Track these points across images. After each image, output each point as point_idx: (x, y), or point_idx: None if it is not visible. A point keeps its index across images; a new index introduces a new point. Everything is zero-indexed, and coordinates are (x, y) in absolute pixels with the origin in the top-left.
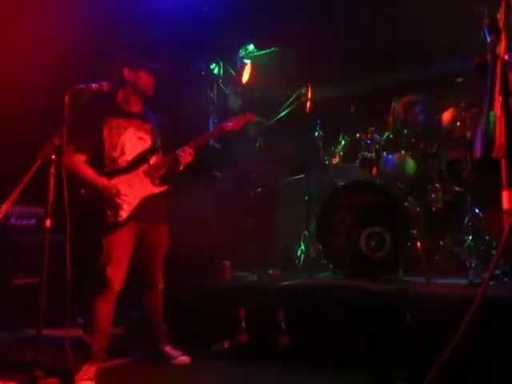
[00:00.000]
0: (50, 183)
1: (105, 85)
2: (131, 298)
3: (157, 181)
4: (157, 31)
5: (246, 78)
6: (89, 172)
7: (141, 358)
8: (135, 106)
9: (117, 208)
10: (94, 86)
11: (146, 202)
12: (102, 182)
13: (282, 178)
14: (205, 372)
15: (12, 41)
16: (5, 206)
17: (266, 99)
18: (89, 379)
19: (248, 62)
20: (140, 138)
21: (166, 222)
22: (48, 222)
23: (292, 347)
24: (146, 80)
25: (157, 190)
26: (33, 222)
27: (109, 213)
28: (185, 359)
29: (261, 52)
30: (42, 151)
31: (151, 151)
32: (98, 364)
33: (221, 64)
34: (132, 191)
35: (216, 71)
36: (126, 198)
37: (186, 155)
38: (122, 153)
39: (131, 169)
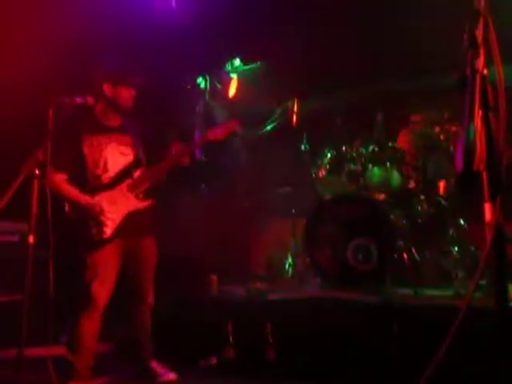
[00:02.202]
0: (33, 198)
1: (89, 99)
2: (119, 314)
3: (141, 195)
4: (144, 45)
5: (232, 92)
6: (71, 191)
7: (127, 377)
8: (114, 120)
9: (101, 225)
10: (78, 99)
11: (131, 218)
12: (85, 199)
13: (268, 191)
14: None
15: None
16: None
17: (252, 113)
18: None
19: (234, 76)
20: (122, 153)
21: (152, 235)
22: (31, 238)
23: (279, 361)
24: (125, 95)
25: (141, 204)
26: (16, 238)
27: (93, 231)
28: (171, 376)
29: (247, 66)
30: (25, 166)
31: (134, 165)
32: (83, 382)
33: (207, 78)
34: (116, 207)
35: (202, 85)
36: (109, 214)
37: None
38: (105, 170)
39: (114, 185)
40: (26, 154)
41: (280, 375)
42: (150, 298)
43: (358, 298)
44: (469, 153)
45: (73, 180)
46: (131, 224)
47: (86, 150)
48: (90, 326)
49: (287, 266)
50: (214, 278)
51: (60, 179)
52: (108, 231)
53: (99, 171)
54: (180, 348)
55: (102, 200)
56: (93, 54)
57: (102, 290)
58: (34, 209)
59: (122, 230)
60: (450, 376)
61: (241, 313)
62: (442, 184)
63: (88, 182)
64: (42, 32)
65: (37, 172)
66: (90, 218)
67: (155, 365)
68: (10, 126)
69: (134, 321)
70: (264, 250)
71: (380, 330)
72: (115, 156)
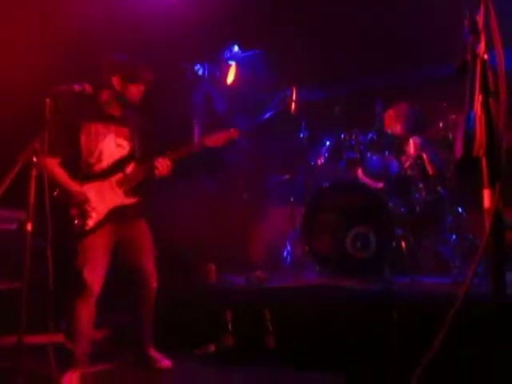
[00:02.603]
0: (31, 186)
1: (87, 86)
2: (116, 300)
3: (130, 192)
4: (141, 31)
5: (230, 79)
6: (61, 175)
7: (124, 362)
8: (116, 110)
9: (85, 216)
10: (76, 87)
11: (117, 211)
12: (74, 185)
13: (267, 180)
14: (190, 376)
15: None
16: None
17: (250, 100)
18: None
19: (233, 63)
20: (119, 145)
21: (143, 218)
22: (29, 226)
23: (278, 348)
24: (134, 91)
25: (127, 201)
26: (14, 226)
27: (76, 221)
28: (167, 363)
29: (245, 53)
30: (23, 154)
31: (128, 159)
32: (82, 369)
33: (205, 65)
34: (102, 199)
35: (200, 72)
36: (95, 205)
37: (162, 168)
38: (99, 160)
39: (105, 177)
40: (24, 143)
41: (279, 363)
42: (154, 282)
43: (356, 285)
44: (469, 138)
45: (65, 165)
46: (118, 215)
47: (83, 137)
48: (86, 312)
49: (286, 254)
50: (213, 266)
51: (53, 163)
52: (91, 223)
53: (93, 160)
54: (178, 336)
55: (90, 189)
56: (93, 44)
57: (94, 276)
58: (32, 197)
59: (106, 222)
60: (448, 364)
61: (240, 301)
62: (440, 172)
63: (80, 169)
64: (45, 28)
65: (34, 160)
66: (75, 206)
67: (152, 352)
68: (10, 115)
69: (136, 305)
70: (263, 238)
71: (379, 318)
72: (111, 147)
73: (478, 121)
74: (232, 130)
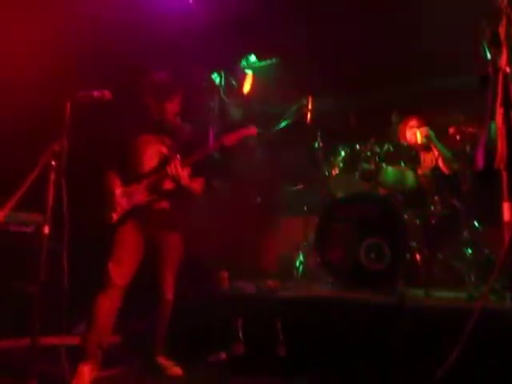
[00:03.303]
0: (50, 190)
1: (107, 93)
2: (129, 306)
3: (155, 193)
4: (159, 39)
5: (247, 88)
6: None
7: (134, 368)
8: (160, 123)
9: (112, 209)
10: (95, 93)
11: (147, 211)
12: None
13: (281, 189)
14: (200, 383)
15: (8, 40)
16: (3, 212)
17: (266, 110)
18: (84, 382)
19: (249, 72)
20: (160, 152)
21: (178, 232)
22: (46, 229)
23: (289, 358)
24: (171, 109)
25: (151, 198)
26: (31, 228)
27: (105, 213)
28: (177, 370)
29: (262, 63)
30: (42, 157)
31: (163, 164)
32: (94, 364)
33: (222, 74)
34: (128, 197)
35: (217, 81)
36: (120, 200)
37: (172, 169)
38: (142, 168)
39: (139, 180)
40: (39, 144)
41: (290, 372)
42: (170, 295)
43: (369, 297)
44: (490, 151)
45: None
46: (150, 216)
47: (137, 149)
48: (106, 304)
49: (298, 264)
50: (225, 274)
51: (112, 175)
52: (115, 216)
53: (139, 169)
54: (189, 343)
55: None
56: (109, 47)
57: (118, 269)
58: (50, 200)
59: (141, 217)
60: (464, 378)
61: (251, 309)
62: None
63: (126, 176)
64: (58, 28)
65: (53, 163)
66: (105, 200)
67: (162, 359)
68: (26, 119)
69: (152, 314)
70: (275, 247)
71: (391, 331)
72: (153, 157)
73: (499, 133)
74: (250, 127)
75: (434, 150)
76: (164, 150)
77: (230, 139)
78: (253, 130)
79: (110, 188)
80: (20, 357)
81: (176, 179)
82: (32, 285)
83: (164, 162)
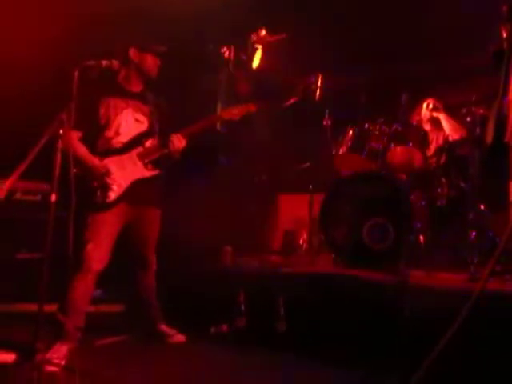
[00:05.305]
0: (57, 158)
1: (115, 62)
2: (128, 275)
3: (149, 165)
4: (168, 10)
5: (256, 63)
6: (82, 150)
7: (137, 336)
8: (136, 86)
9: (106, 189)
10: (104, 62)
11: (138, 185)
12: (93, 160)
13: (287, 166)
14: (200, 352)
15: (12, 16)
16: (10, 181)
17: (275, 86)
18: (58, 358)
19: (259, 47)
20: (137, 120)
21: (158, 207)
22: (53, 197)
23: (289, 333)
24: (151, 62)
25: (148, 173)
26: (38, 198)
27: (98, 193)
28: (180, 337)
29: (273, 38)
30: (50, 127)
31: (147, 134)
32: (71, 343)
33: (232, 47)
34: (123, 173)
35: (226, 54)
36: (116, 178)
37: (176, 142)
38: (117, 133)
39: (125, 150)
40: (50, 116)
41: (289, 347)
42: (154, 266)
43: (370, 275)
44: (500, 125)
45: (85, 140)
46: (138, 192)
47: (101, 111)
48: (83, 287)
49: (302, 242)
50: (229, 249)
51: (74, 137)
52: (113, 195)
53: (110, 134)
54: (192, 316)
55: (110, 163)
56: (116, 19)
57: (97, 252)
58: (57, 168)
59: (128, 196)
60: (462, 360)
61: (253, 284)
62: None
63: (98, 144)
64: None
65: (60, 132)
66: (96, 180)
67: (165, 327)
68: (36, 88)
69: (138, 284)
70: (280, 224)
71: (392, 309)
72: (129, 121)
73: (510, 108)
74: (250, 104)
75: (441, 121)
76: (139, 116)
77: (229, 113)
78: (252, 107)
79: (86, 156)
80: (27, 322)
81: (177, 152)
82: (39, 252)
83: (149, 131)
